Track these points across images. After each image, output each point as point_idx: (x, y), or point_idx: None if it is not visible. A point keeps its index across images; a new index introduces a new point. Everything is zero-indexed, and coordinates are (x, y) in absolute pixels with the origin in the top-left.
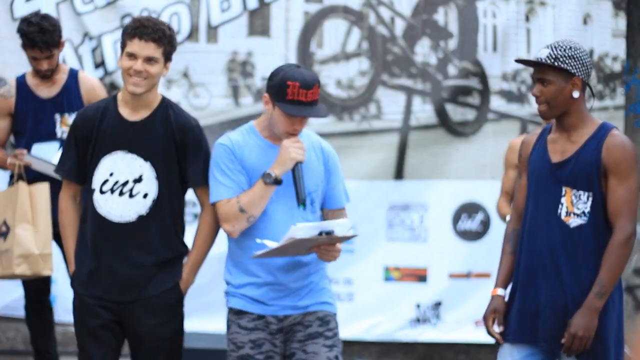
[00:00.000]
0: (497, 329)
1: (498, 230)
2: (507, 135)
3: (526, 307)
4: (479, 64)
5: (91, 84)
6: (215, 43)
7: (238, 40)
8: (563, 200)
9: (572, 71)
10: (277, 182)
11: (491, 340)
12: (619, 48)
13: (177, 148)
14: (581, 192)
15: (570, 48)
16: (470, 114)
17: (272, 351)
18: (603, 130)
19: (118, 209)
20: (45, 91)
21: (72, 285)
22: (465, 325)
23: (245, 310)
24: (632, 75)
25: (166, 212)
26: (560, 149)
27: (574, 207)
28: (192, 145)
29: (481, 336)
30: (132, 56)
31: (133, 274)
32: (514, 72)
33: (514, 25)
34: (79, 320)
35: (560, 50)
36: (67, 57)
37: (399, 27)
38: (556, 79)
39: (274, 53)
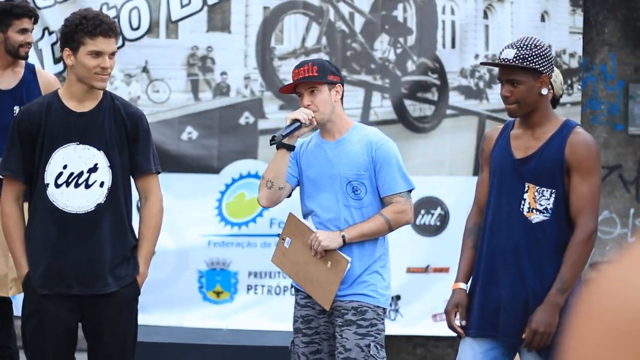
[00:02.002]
0: (459, 322)
1: (456, 225)
2: (466, 131)
3: (488, 301)
4: (438, 60)
5: (48, 78)
6: (175, 38)
7: (198, 35)
8: (526, 196)
9: (540, 69)
10: (280, 141)
11: (449, 334)
12: (576, 45)
13: (128, 137)
14: (544, 189)
15: (536, 46)
16: (428, 110)
17: (319, 328)
18: (567, 128)
19: (77, 200)
20: (4, 83)
21: (27, 287)
22: (423, 319)
23: (299, 288)
24: (588, 71)
25: (121, 200)
26: (523, 145)
27: (537, 203)
28: (143, 134)
29: (439, 330)
30: (98, 54)
31: (99, 266)
32: (472, 69)
33: (473, 22)
34: (37, 324)
35: (526, 49)
36: None
37: (358, 23)
38: (525, 78)
39: (233, 48)
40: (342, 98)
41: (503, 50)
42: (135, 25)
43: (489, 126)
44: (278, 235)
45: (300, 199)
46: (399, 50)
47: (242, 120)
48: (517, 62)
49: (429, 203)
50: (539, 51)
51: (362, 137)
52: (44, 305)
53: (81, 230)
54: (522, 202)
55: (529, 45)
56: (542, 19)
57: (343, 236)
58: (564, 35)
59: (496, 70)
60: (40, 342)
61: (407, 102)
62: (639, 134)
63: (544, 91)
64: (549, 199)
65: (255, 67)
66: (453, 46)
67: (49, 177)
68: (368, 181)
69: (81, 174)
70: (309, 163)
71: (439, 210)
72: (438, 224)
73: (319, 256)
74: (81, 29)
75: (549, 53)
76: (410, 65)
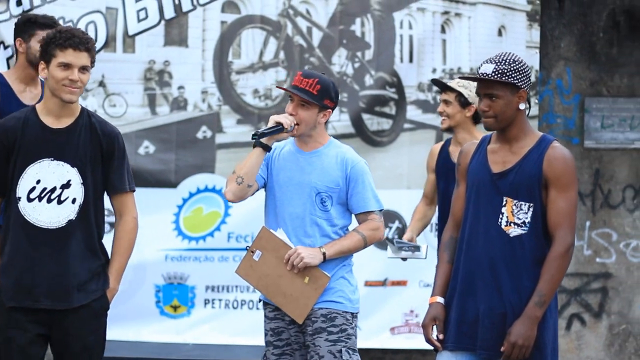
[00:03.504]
0: (436, 336)
1: None
2: (423, 145)
3: (465, 315)
4: (396, 74)
5: None
6: (132, 52)
7: (155, 49)
8: (504, 210)
9: (519, 84)
10: (259, 138)
11: (406, 347)
12: (533, 59)
13: (103, 155)
14: (522, 203)
15: (514, 62)
16: (386, 124)
17: (290, 339)
18: (544, 142)
19: (48, 215)
20: (29, 98)
21: None
22: (381, 332)
23: (267, 301)
24: (545, 85)
25: (92, 217)
26: (501, 160)
27: (515, 217)
28: (118, 153)
29: (396, 343)
30: (67, 66)
31: (68, 281)
32: (429, 83)
33: (430, 36)
34: (5, 337)
35: (505, 64)
36: None
37: (316, 37)
38: (504, 93)
39: (191, 62)
40: (326, 122)
41: (482, 65)
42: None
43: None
44: (246, 248)
45: (266, 204)
46: (356, 65)
47: (199, 135)
48: (495, 76)
49: (387, 216)
50: (517, 66)
51: (338, 153)
52: (12, 318)
53: (52, 245)
54: (500, 216)
55: (508, 61)
56: (499, 33)
57: (324, 253)
58: (520, 50)
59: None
60: (6, 356)
61: (365, 116)
62: (595, 148)
63: (522, 106)
64: (526, 213)
65: (213, 82)
66: (411, 60)
67: (21, 191)
68: (336, 195)
69: (54, 189)
70: (280, 168)
71: (396, 224)
72: (396, 237)
73: (296, 271)
74: (53, 42)
75: (527, 68)
76: (368, 80)
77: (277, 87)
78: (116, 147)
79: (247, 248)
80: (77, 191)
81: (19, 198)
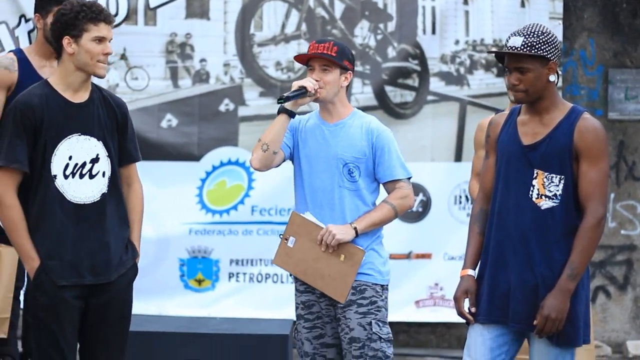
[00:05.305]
0: (468, 309)
1: (438, 211)
2: (446, 117)
3: (496, 288)
4: (418, 46)
5: None
6: (154, 25)
7: (176, 22)
8: (534, 182)
9: (548, 56)
10: (284, 102)
11: (432, 320)
12: (556, 30)
13: (118, 126)
14: (553, 175)
15: (543, 33)
16: (409, 96)
17: (320, 312)
18: (575, 114)
19: (84, 190)
20: (48, 73)
21: (40, 279)
22: (406, 305)
23: None
24: (568, 57)
25: (119, 188)
26: (531, 131)
27: (546, 190)
28: (130, 123)
29: (421, 316)
30: (101, 40)
31: (107, 255)
32: (453, 54)
33: (453, 8)
34: (55, 315)
35: (534, 36)
36: (3, 40)
37: (338, 9)
38: (534, 66)
39: (212, 35)
40: (348, 86)
41: (509, 37)
42: (113, 12)
43: (469, 112)
44: (279, 236)
45: (294, 178)
46: (379, 37)
47: (222, 107)
48: (525, 49)
49: None
50: (546, 38)
51: (362, 123)
52: (61, 296)
53: (90, 220)
54: (531, 189)
55: (536, 32)
56: (522, 4)
57: (355, 228)
58: (543, 21)
59: (477, 55)
60: (56, 332)
61: (388, 89)
62: (619, 119)
63: (552, 77)
64: (557, 185)
65: (235, 54)
66: (433, 32)
67: (56, 168)
68: (364, 165)
69: (84, 164)
70: (306, 140)
71: (420, 197)
72: (420, 210)
73: (330, 250)
74: (83, 16)
75: (556, 39)
76: (391, 52)
77: (294, 58)
78: (128, 118)
79: (281, 236)
80: (105, 164)
81: (55, 176)
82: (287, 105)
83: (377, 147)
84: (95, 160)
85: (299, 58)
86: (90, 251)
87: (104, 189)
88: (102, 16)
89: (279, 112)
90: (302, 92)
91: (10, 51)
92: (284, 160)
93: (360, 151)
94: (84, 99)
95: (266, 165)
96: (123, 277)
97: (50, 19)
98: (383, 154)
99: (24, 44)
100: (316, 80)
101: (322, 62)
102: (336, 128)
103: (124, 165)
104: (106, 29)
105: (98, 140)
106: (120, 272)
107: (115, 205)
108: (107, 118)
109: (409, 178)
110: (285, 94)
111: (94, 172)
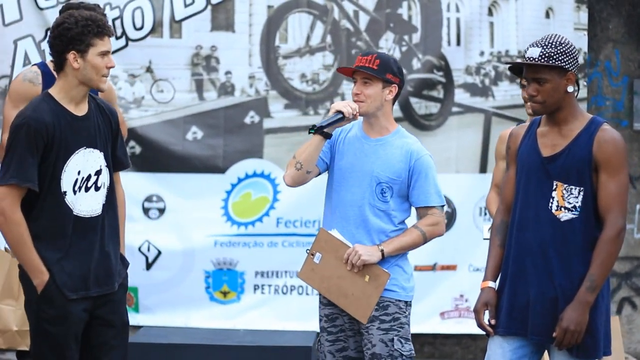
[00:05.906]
0: (488, 321)
1: (463, 222)
2: (471, 128)
3: (516, 300)
4: (443, 58)
5: (109, 84)
6: (179, 37)
7: (202, 34)
8: (554, 194)
9: (566, 67)
10: (319, 130)
11: (457, 332)
12: (581, 41)
13: (112, 134)
14: (572, 187)
15: (561, 44)
16: (434, 108)
17: (344, 326)
18: (594, 125)
19: (89, 204)
20: None
21: (50, 292)
22: (431, 317)
23: None
24: (593, 68)
25: (114, 198)
26: (550, 143)
27: (565, 202)
28: (120, 130)
29: (446, 328)
30: (105, 54)
31: (109, 266)
32: (478, 66)
33: (477, 19)
34: (66, 329)
35: (552, 47)
36: (29, 52)
37: (363, 21)
38: (551, 76)
39: (237, 47)
40: (394, 99)
41: (528, 48)
42: (138, 25)
43: (494, 123)
44: (306, 252)
45: (327, 187)
46: (404, 48)
47: (247, 120)
48: (543, 60)
49: None
50: (564, 49)
51: (404, 143)
52: (71, 309)
53: (94, 232)
54: (551, 200)
55: (554, 43)
56: (547, 15)
57: (382, 250)
58: (568, 32)
59: (502, 67)
60: (64, 344)
61: (413, 100)
62: None
63: (570, 88)
64: (577, 197)
65: (260, 66)
66: (458, 43)
67: (66, 185)
68: (397, 187)
69: (89, 177)
70: (344, 152)
71: (445, 208)
72: (445, 221)
73: (355, 270)
74: (90, 31)
75: (574, 50)
76: (416, 63)
77: (337, 71)
78: (118, 125)
79: (307, 251)
80: (105, 175)
81: (65, 192)
82: (319, 122)
83: (415, 171)
84: (98, 173)
85: (342, 70)
86: (95, 263)
87: (103, 201)
88: (106, 30)
89: (315, 132)
90: (339, 117)
91: (35, 64)
92: (319, 174)
93: (397, 172)
94: (85, 111)
95: (299, 183)
96: (121, 286)
97: None
98: (419, 179)
99: (50, 57)
100: (356, 95)
101: (364, 75)
102: (376, 144)
103: (116, 171)
104: (109, 43)
105: (100, 151)
106: (119, 281)
107: (112, 215)
108: (105, 127)
109: (442, 206)
110: (321, 122)
111: (98, 184)
